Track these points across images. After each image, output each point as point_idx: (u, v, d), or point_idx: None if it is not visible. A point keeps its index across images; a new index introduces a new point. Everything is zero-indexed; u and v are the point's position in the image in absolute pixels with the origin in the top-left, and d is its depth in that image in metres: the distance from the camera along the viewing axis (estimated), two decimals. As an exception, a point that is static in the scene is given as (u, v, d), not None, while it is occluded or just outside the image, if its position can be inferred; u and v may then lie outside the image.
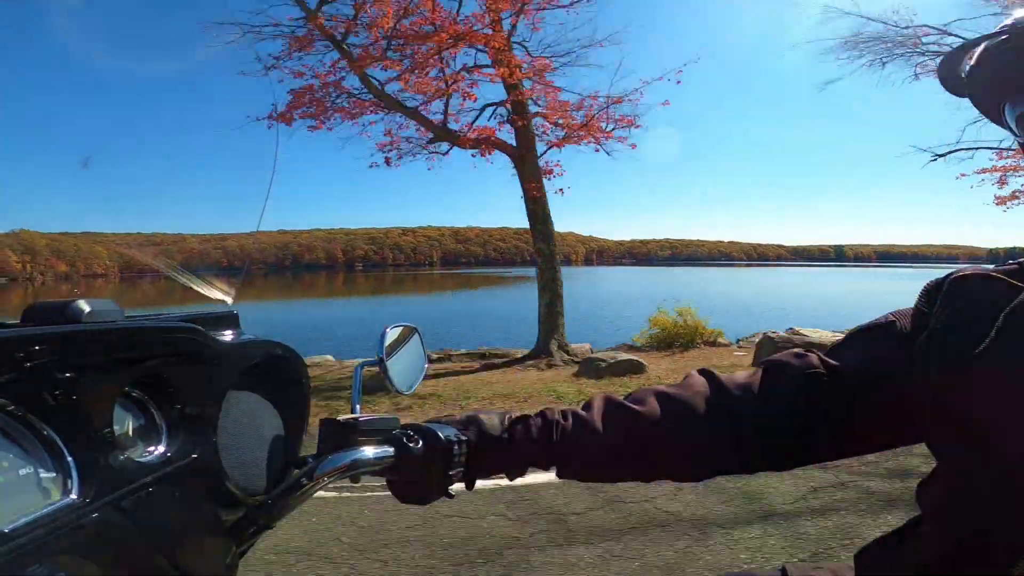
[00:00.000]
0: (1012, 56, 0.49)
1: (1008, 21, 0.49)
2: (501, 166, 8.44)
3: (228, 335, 0.55)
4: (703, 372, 0.66)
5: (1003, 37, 0.49)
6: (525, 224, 8.28)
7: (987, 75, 0.52)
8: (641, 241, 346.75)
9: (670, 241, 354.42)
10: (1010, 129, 0.52)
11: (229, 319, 0.57)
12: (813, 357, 0.61)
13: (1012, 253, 0.58)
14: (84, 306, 0.40)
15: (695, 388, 0.63)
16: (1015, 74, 0.50)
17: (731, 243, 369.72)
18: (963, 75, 0.55)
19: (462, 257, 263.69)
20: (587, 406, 0.65)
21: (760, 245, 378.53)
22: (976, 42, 0.52)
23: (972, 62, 0.53)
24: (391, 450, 0.56)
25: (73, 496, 0.34)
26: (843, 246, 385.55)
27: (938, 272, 0.59)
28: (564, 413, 0.64)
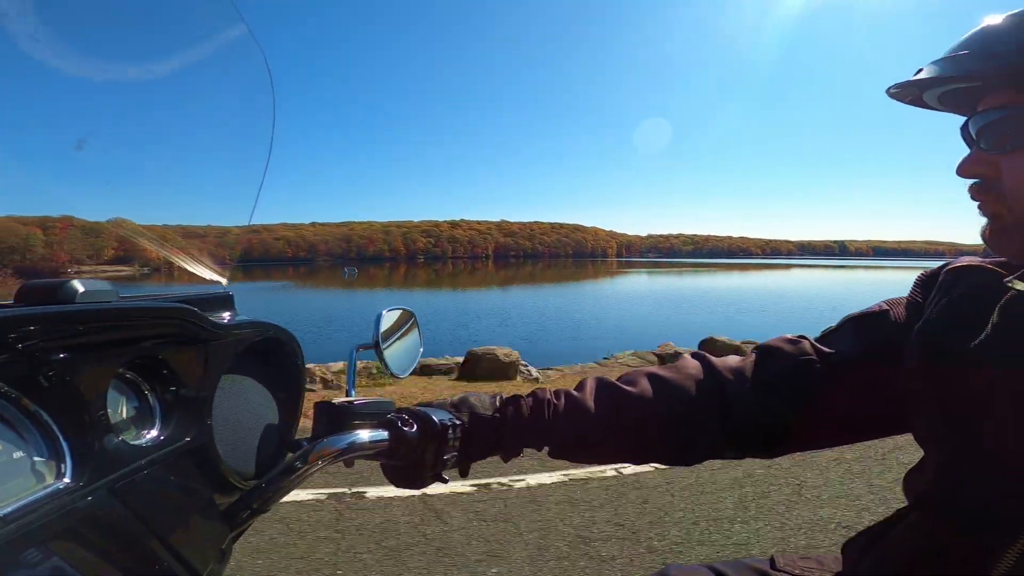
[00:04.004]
0: (974, 70, 0.46)
1: (966, 36, 0.47)
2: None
3: (224, 316, 0.53)
4: (696, 355, 0.63)
5: (964, 52, 0.46)
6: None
7: (952, 90, 0.49)
8: (663, 236, 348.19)
9: (687, 236, 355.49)
10: (975, 143, 0.47)
11: (224, 300, 0.55)
12: (806, 344, 0.59)
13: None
14: (78, 286, 0.38)
15: (688, 371, 0.60)
16: (976, 89, 0.47)
17: (743, 238, 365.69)
18: (923, 89, 0.51)
19: (511, 250, 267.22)
20: (580, 387, 0.62)
21: (772, 240, 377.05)
22: (940, 59, 0.48)
23: (934, 76, 0.49)
24: (386, 434, 0.54)
25: (67, 480, 0.33)
26: (844, 241, 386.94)
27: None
28: (556, 393, 0.61)
